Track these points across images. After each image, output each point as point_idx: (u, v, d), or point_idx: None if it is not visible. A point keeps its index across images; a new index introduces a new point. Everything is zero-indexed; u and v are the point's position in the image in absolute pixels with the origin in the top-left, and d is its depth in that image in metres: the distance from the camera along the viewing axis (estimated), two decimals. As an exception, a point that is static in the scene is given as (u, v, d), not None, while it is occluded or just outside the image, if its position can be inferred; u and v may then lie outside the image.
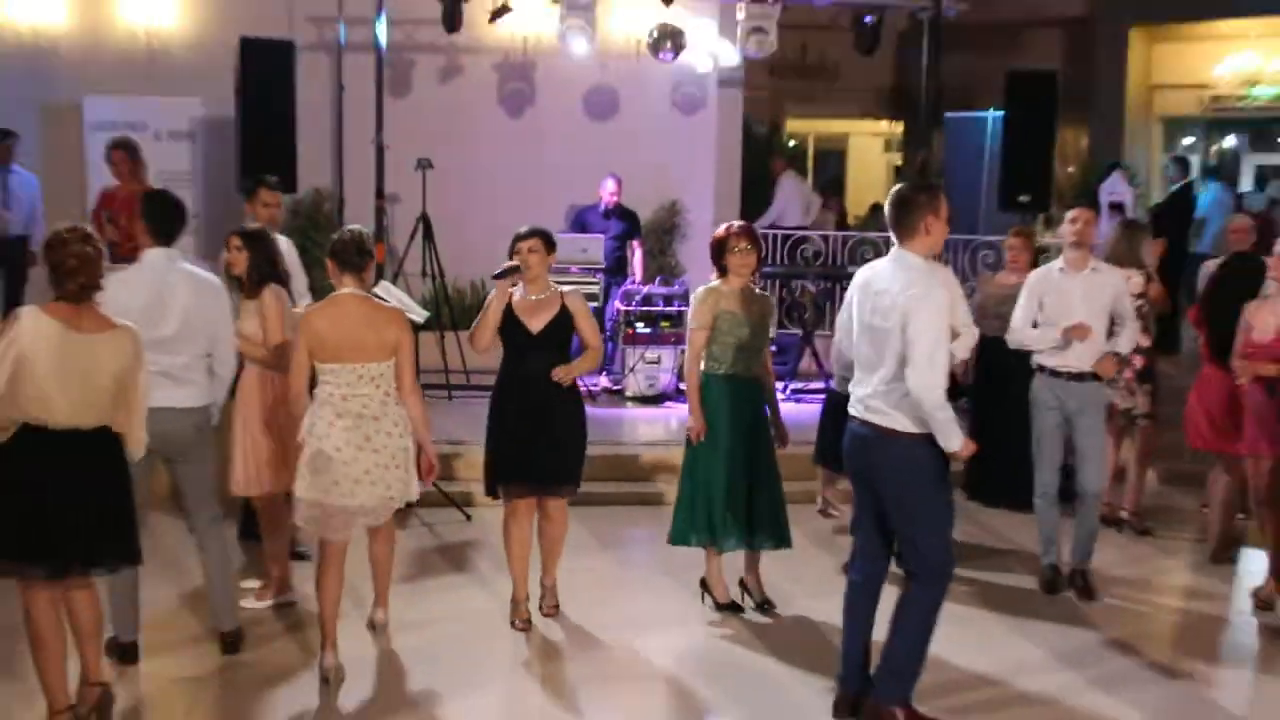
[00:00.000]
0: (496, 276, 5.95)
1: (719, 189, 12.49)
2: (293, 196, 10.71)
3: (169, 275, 5.40)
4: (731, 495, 6.06)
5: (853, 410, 4.94)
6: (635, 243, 10.91)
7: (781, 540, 6.25)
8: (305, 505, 5.34)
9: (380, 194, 10.54)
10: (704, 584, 6.39)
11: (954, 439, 4.63)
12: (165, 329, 5.30)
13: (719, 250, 6.15)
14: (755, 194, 13.45)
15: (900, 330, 4.61)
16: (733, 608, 6.30)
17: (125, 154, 9.71)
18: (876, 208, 17.80)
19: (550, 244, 6.02)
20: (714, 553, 6.28)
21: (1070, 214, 6.67)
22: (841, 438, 6.35)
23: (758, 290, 6.29)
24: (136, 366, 4.68)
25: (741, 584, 6.45)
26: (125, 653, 5.47)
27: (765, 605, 6.38)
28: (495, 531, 7.32)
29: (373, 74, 10.59)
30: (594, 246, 10.47)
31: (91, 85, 11.40)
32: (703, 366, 6.16)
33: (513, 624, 6.12)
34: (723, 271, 6.14)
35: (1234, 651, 6.22)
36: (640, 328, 10.33)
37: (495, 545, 7.17)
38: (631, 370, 10.33)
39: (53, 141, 11.29)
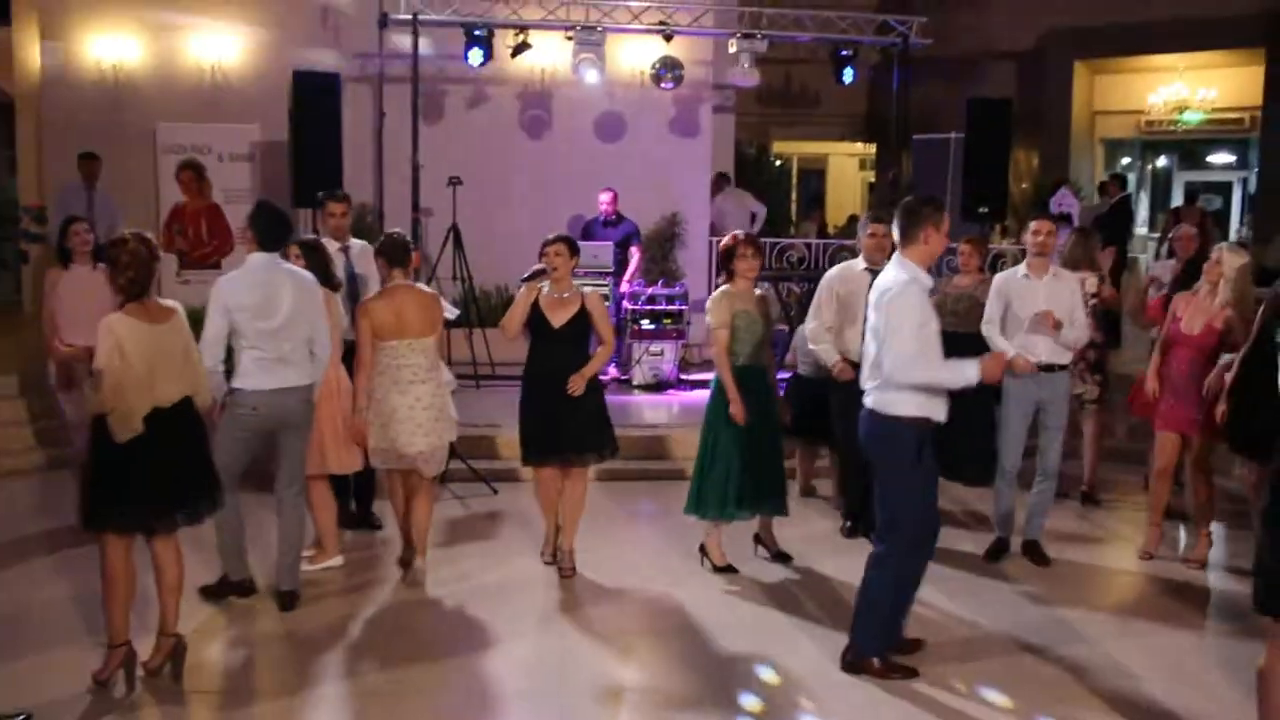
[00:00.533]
0: (525, 279, 6.11)
1: (714, 202, 12.47)
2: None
3: (274, 275, 5.45)
4: (746, 472, 6.06)
5: (866, 400, 4.87)
6: (634, 248, 10.89)
7: (780, 508, 6.29)
8: (379, 452, 5.91)
9: (416, 208, 10.52)
10: (703, 549, 6.38)
11: (966, 373, 4.64)
12: (275, 320, 5.37)
13: (728, 256, 6.14)
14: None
15: (884, 329, 4.65)
16: (728, 569, 6.29)
17: (193, 174, 9.70)
18: (853, 218, 17.79)
19: (574, 249, 6.15)
20: (717, 523, 6.28)
21: (1033, 225, 6.53)
22: (804, 415, 6.79)
23: (758, 291, 6.28)
24: (190, 335, 4.79)
25: (756, 538, 6.48)
26: (284, 600, 5.61)
27: (782, 556, 6.43)
28: (520, 504, 7.40)
29: (409, 102, 10.56)
30: (604, 253, 10.44)
31: (163, 113, 11.40)
32: (712, 357, 6.16)
33: (542, 555, 6.40)
34: (730, 275, 6.15)
35: (1167, 601, 6.17)
36: (645, 324, 10.30)
37: (519, 515, 7.22)
38: (638, 362, 10.31)
39: (130, 163, 11.26)
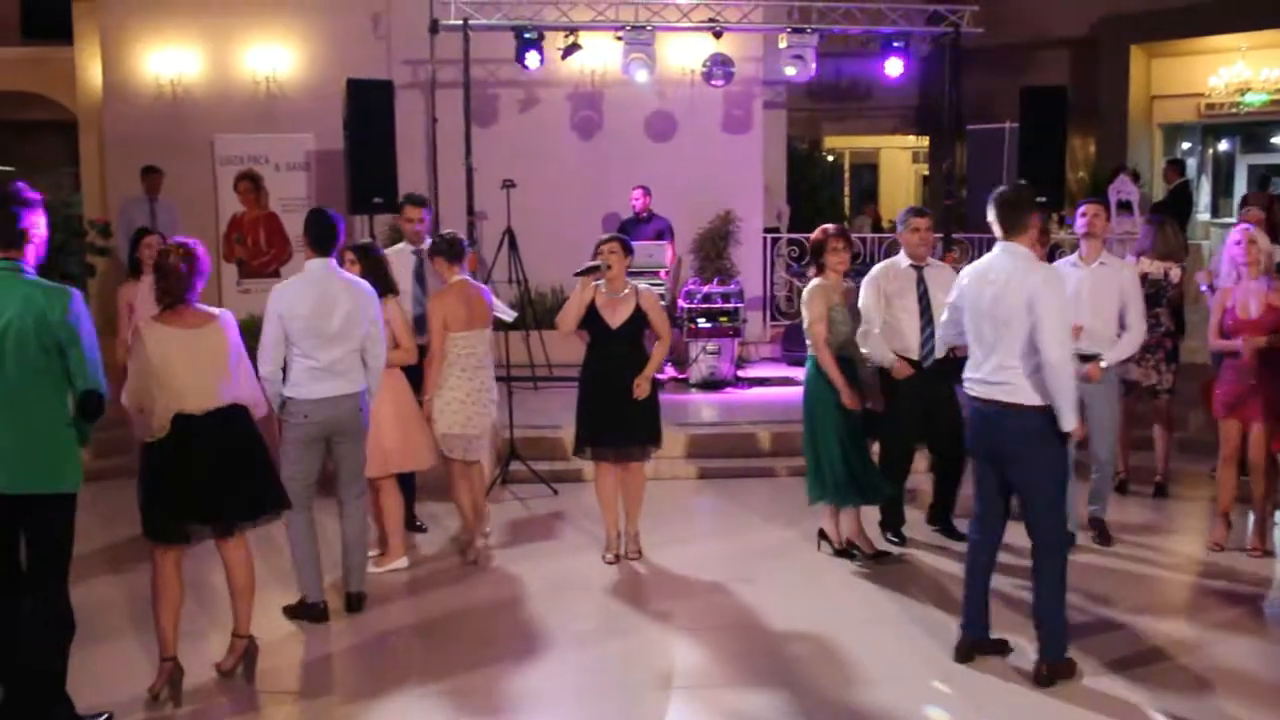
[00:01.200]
0: (579, 274, 6.17)
1: (767, 199, 12.44)
2: (394, 216, 10.78)
3: (329, 282, 5.48)
4: (847, 461, 6.06)
5: (972, 390, 4.83)
6: (667, 243, 10.90)
7: (880, 495, 6.30)
8: (449, 438, 6.27)
9: (471, 211, 10.58)
10: (822, 534, 6.42)
11: (1069, 417, 4.56)
12: (330, 327, 5.41)
13: (818, 250, 6.17)
14: (796, 203, 13.40)
15: (1025, 311, 4.56)
16: (848, 553, 6.33)
17: (250, 184, 9.88)
18: (906, 212, 17.65)
19: (628, 249, 6.25)
20: (833, 509, 6.31)
21: (1081, 208, 6.53)
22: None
23: (846, 284, 6.28)
24: (234, 343, 4.76)
25: (849, 543, 6.41)
26: (351, 602, 5.69)
27: (881, 556, 6.38)
28: (580, 504, 7.42)
29: (461, 107, 10.64)
30: (659, 252, 10.48)
31: (220, 125, 11.59)
32: (812, 351, 6.14)
33: (604, 556, 6.41)
34: (820, 269, 6.16)
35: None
36: (701, 323, 10.29)
37: (579, 516, 7.24)
38: (694, 361, 10.30)
39: (189, 174, 11.46)
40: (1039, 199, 4.79)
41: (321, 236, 5.56)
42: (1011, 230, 4.73)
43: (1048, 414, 4.60)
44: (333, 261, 5.58)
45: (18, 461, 4.10)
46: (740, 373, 10.55)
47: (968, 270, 4.94)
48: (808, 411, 6.21)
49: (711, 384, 10.24)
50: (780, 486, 7.95)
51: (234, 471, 4.67)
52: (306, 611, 5.55)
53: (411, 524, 6.98)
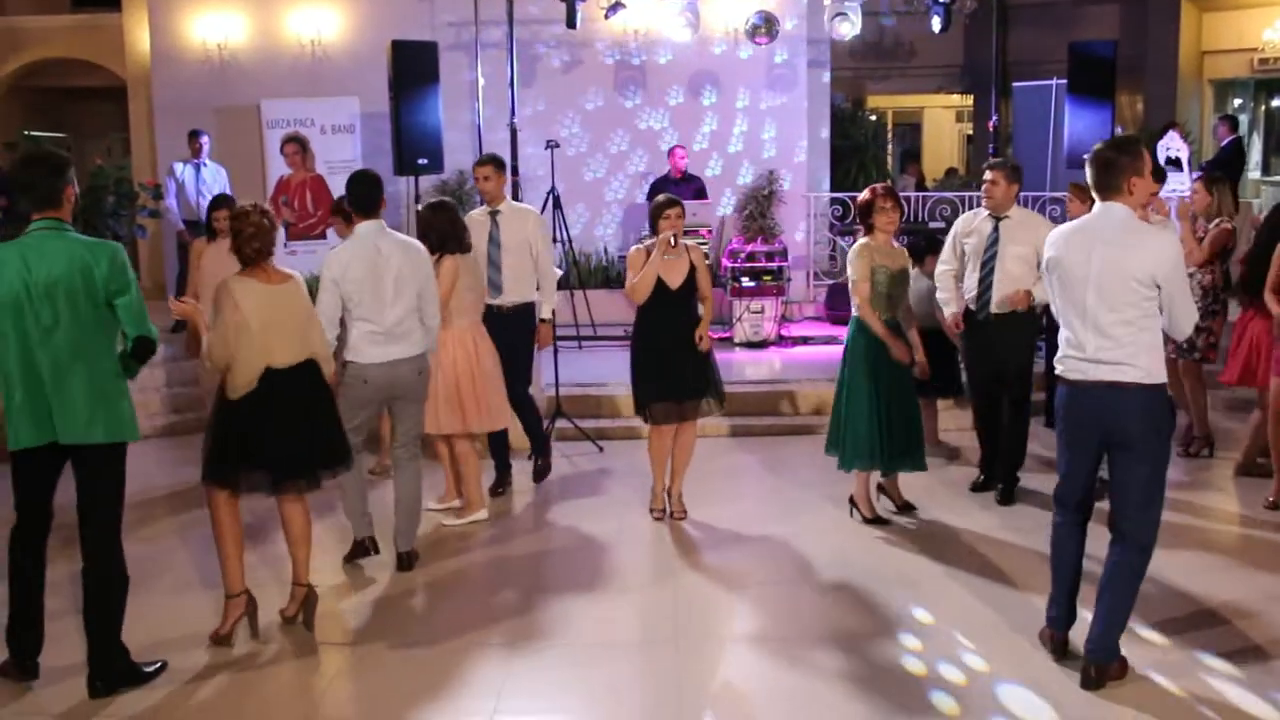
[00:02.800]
0: (668, 251, 6.05)
1: (810, 159, 12.38)
2: (440, 177, 10.83)
3: (381, 243, 5.50)
4: (885, 426, 6.06)
5: (1073, 370, 4.28)
6: (709, 201, 10.92)
7: (920, 464, 6.29)
8: None
9: (515, 171, 10.59)
10: (852, 501, 6.39)
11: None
12: (385, 290, 5.45)
13: (867, 210, 6.13)
14: (840, 163, 13.30)
15: (1141, 279, 4.06)
16: (878, 520, 6.28)
17: (297, 147, 9.91)
18: (950, 171, 17.46)
19: (683, 210, 6.22)
20: (865, 475, 6.29)
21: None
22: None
23: (895, 245, 6.24)
24: (310, 302, 4.90)
25: (880, 489, 6.45)
26: (402, 560, 5.73)
27: (908, 507, 6.42)
28: (625, 460, 7.48)
29: (505, 68, 10.64)
30: (704, 211, 10.48)
31: (267, 89, 11.67)
32: (857, 312, 6.13)
33: (652, 511, 6.43)
34: (869, 229, 6.13)
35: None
36: (745, 282, 10.29)
37: (626, 473, 7.29)
38: (739, 320, 10.30)
39: (236, 138, 11.57)
40: (1136, 159, 4.17)
41: (366, 199, 5.58)
42: (1106, 194, 4.21)
43: (1162, 392, 4.20)
44: (383, 222, 5.60)
45: (76, 413, 4.18)
46: (784, 331, 10.54)
47: (1052, 238, 4.41)
48: (841, 371, 6.23)
49: (756, 343, 10.24)
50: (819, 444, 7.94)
51: (310, 425, 4.78)
52: (358, 550, 5.67)
53: (500, 484, 7.01)
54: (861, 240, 6.16)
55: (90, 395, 4.20)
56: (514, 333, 6.75)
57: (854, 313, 6.19)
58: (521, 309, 6.87)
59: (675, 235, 6.04)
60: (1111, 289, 4.13)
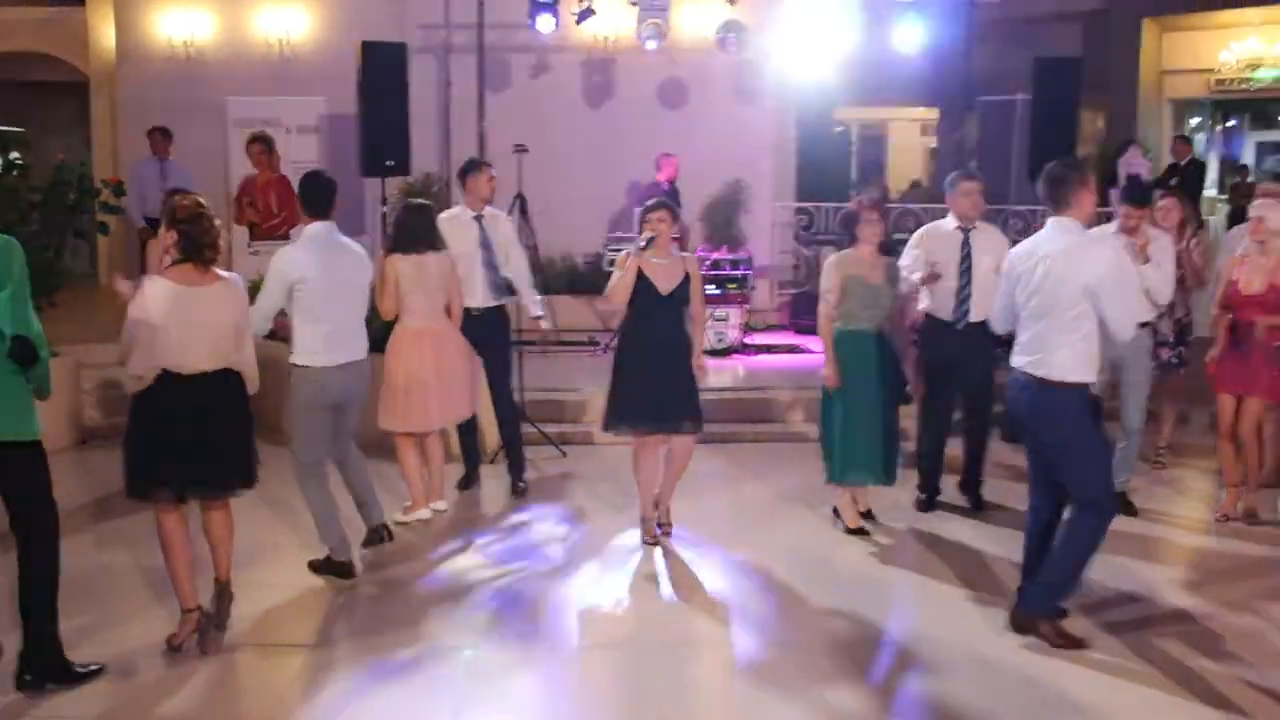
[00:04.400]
0: (641, 249, 5.88)
1: (776, 168, 12.44)
2: (406, 179, 10.78)
3: (333, 245, 5.49)
4: (863, 437, 6.06)
5: (1015, 363, 4.85)
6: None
7: (888, 478, 6.26)
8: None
9: (484, 176, 10.56)
10: (836, 511, 6.40)
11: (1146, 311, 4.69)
12: (339, 292, 5.43)
13: (850, 221, 6.16)
14: (804, 173, 13.40)
15: (1092, 291, 4.55)
16: (860, 532, 6.28)
17: (262, 146, 9.85)
18: (915, 184, 17.62)
19: (675, 215, 6.15)
20: (844, 485, 6.30)
21: (1123, 210, 6.30)
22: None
23: (881, 256, 6.19)
24: (247, 312, 4.80)
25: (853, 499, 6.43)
26: (380, 535, 5.90)
27: (866, 516, 6.42)
28: (590, 466, 7.48)
29: (475, 71, 10.62)
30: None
31: (233, 88, 11.58)
32: (837, 325, 6.12)
33: (643, 540, 6.15)
34: (852, 240, 6.14)
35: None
36: (710, 290, 10.29)
37: (591, 477, 7.30)
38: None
39: (201, 136, 11.46)
40: (1084, 176, 4.74)
41: (318, 200, 5.55)
42: (1059, 207, 4.71)
43: (1074, 389, 4.65)
44: (331, 225, 5.54)
45: None
46: (747, 340, 10.58)
47: (1017, 251, 4.93)
48: (824, 387, 6.21)
49: (719, 351, 10.26)
50: (787, 452, 8.00)
51: (225, 439, 4.66)
52: (334, 568, 5.59)
53: (468, 481, 7.09)
54: (841, 252, 6.18)
55: None
56: (492, 334, 6.79)
57: (839, 325, 6.16)
58: (499, 311, 6.92)
59: (655, 236, 5.88)
60: (1053, 296, 4.61)
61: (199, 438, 4.56)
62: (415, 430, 6.33)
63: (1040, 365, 4.70)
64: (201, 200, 4.68)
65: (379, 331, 6.22)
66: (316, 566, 5.64)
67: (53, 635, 4.35)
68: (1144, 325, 6.38)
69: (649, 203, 6.09)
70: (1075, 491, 4.75)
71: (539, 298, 7.16)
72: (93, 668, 4.47)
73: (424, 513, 6.44)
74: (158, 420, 4.54)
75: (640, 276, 5.90)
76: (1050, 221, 4.76)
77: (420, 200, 6.43)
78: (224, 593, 4.89)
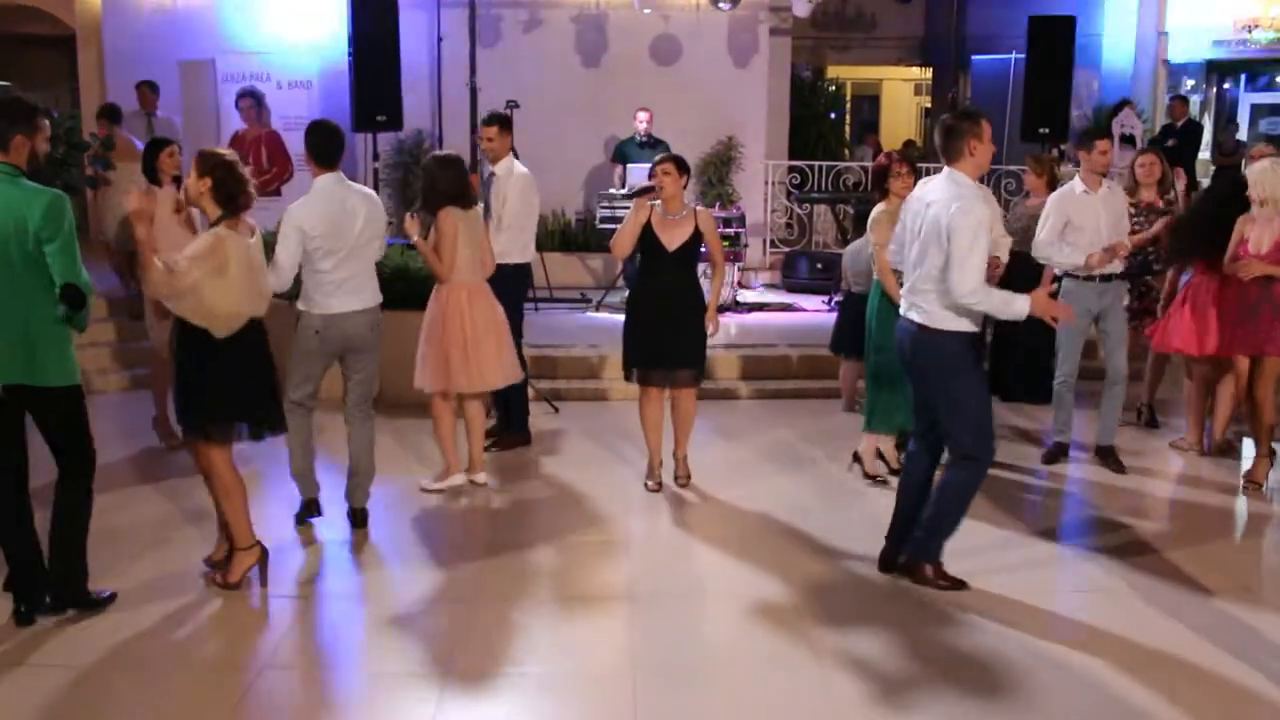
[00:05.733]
0: (634, 194, 5.98)
1: (769, 127, 12.43)
2: (397, 135, 10.76)
3: (344, 194, 5.46)
4: (905, 387, 6.05)
5: (902, 309, 4.91)
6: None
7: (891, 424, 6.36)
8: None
9: (474, 131, 10.52)
10: (856, 456, 6.50)
11: (1014, 307, 4.59)
12: (349, 241, 5.41)
13: (882, 176, 6.27)
14: (798, 132, 13.39)
15: (945, 238, 4.58)
16: (879, 479, 6.37)
17: (252, 102, 9.82)
18: (908, 143, 17.57)
19: (683, 168, 6.06)
20: (875, 435, 6.37)
21: (1099, 144, 6.50)
22: (853, 331, 6.69)
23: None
24: (263, 256, 4.92)
25: (878, 455, 6.48)
26: (356, 517, 5.76)
27: (896, 472, 6.38)
28: (583, 422, 7.54)
29: (466, 26, 10.56)
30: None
31: (222, 43, 11.49)
32: (877, 276, 6.16)
33: (646, 486, 6.29)
34: (884, 194, 6.23)
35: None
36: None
37: (580, 433, 7.35)
38: (694, 285, 10.33)
39: (191, 92, 11.39)
40: (975, 125, 4.68)
41: (326, 149, 5.49)
42: (950, 157, 4.73)
43: (958, 338, 4.69)
44: (340, 174, 5.54)
45: (15, 357, 4.27)
46: (739, 298, 10.60)
47: (911, 194, 5.02)
48: (870, 340, 6.26)
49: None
50: (784, 408, 8.08)
51: (264, 382, 4.82)
52: (305, 510, 5.68)
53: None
54: (880, 206, 6.25)
55: (27, 340, 4.28)
56: (503, 292, 6.64)
57: (874, 278, 6.23)
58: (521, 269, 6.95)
59: (659, 187, 5.91)
60: (929, 244, 4.67)
61: (269, 378, 4.83)
62: (464, 391, 6.19)
63: (919, 311, 4.76)
64: (229, 156, 4.74)
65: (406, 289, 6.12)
66: (299, 517, 5.70)
67: (82, 568, 4.58)
68: (1120, 277, 6.58)
69: (658, 155, 6.16)
70: (951, 443, 4.82)
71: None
72: (105, 595, 4.67)
73: (457, 478, 6.29)
74: (240, 363, 4.69)
75: (648, 229, 5.96)
76: (944, 171, 4.77)
77: (452, 153, 6.37)
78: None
